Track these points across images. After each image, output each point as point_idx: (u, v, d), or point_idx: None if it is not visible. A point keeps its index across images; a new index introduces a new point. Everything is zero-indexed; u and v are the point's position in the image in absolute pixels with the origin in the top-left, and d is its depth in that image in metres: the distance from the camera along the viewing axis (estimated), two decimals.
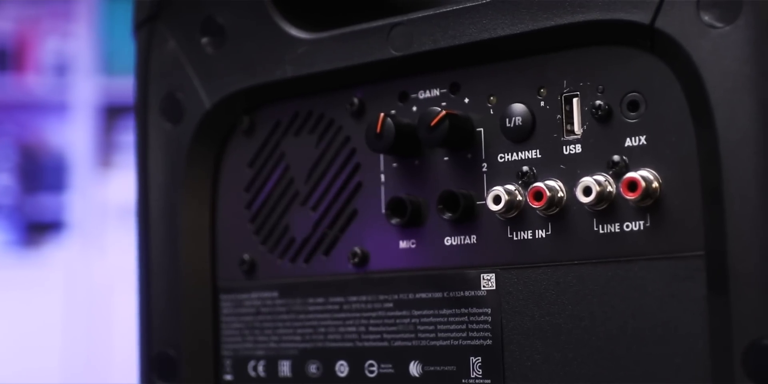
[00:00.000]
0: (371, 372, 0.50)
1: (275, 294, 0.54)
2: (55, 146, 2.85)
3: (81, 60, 2.55)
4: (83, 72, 2.56)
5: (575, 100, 0.45)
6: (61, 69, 2.73)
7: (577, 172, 0.45)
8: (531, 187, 0.45)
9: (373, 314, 0.50)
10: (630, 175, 0.43)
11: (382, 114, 0.48)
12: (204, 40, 0.55)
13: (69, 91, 2.68)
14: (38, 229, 2.52)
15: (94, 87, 2.53)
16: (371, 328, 0.50)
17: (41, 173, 2.84)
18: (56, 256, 2.34)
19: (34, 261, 2.35)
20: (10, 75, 2.78)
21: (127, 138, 2.57)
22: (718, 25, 0.41)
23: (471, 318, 0.47)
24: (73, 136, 2.59)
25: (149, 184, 0.57)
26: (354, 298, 0.51)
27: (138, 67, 0.59)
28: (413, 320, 0.49)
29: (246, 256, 0.54)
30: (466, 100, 0.48)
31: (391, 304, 0.50)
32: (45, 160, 2.88)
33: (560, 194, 0.45)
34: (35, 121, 2.86)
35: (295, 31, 0.52)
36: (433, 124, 0.47)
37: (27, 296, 2.25)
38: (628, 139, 0.44)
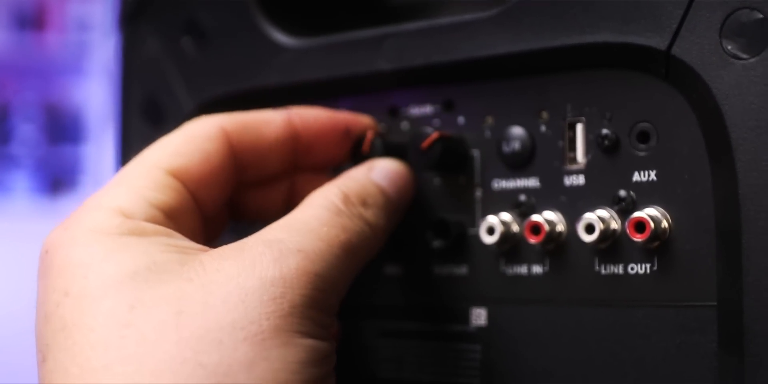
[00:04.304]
0: None
1: None
2: (75, 103, 2.78)
3: (100, 21, 2.47)
4: (102, 33, 2.49)
5: (579, 127, 0.38)
6: (82, 30, 2.66)
7: (579, 206, 0.38)
8: (528, 219, 0.38)
9: (354, 342, 0.43)
10: (637, 214, 0.36)
11: (369, 133, 0.41)
12: (186, 41, 0.48)
13: (88, 51, 2.61)
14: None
15: (111, 47, 2.44)
16: (351, 357, 0.43)
17: (63, 127, 2.79)
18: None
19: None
20: (32, 35, 2.71)
21: None
22: (743, 56, 0.33)
23: (459, 354, 0.40)
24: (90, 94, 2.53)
25: None
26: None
27: (119, 65, 0.51)
28: (397, 352, 0.42)
29: None
30: (460, 119, 0.41)
31: (374, 332, 0.43)
32: (66, 116, 2.82)
33: (560, 228, 0.38)
34: (57, 80, 2.80)
35: (280, 36, 0.45)
36: (424, 146, 0.40)
37: None
38: (636, 173, 0.37)
